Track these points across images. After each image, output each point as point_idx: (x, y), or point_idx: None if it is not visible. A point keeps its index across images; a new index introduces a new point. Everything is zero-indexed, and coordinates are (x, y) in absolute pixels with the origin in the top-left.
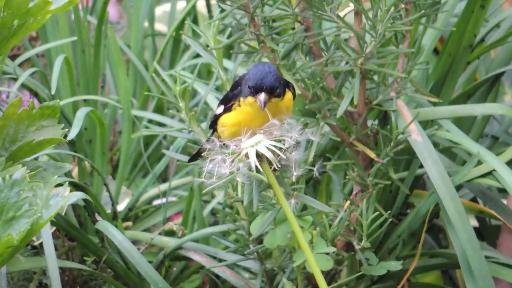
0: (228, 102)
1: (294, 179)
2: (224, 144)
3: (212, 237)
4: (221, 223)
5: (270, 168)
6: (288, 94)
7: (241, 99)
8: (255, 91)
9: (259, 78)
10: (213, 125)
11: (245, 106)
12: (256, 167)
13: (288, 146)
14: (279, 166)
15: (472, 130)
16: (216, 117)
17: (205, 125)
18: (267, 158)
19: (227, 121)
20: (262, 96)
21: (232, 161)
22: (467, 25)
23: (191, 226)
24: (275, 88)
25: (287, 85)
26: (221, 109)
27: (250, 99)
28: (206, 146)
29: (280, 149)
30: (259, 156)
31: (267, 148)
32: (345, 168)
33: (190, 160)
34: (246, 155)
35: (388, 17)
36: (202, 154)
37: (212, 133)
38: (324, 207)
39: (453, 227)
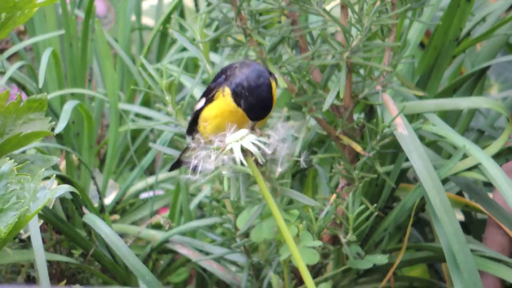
0: (210, 92)
1: (277, 174)
2: (208, 140)
3: (199, 231)
4: (208, 216)
5: (256, 163)
6: (273, 83)
7: (226, 88)
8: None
9: (256, 109)
10: (192, 125)
11: (229, 98)
12: (242, 162)
13: (273, 141)
14: (264, 161)
15: (458, 123)
16: (197, 113)
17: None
18: (252, 153)
19: (209, 113)
20: (250, 123)
21: (217, 156)
22: (453, 19)
23: (178, 220)
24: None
25: (268, 72)
26: (202, 102)
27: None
28: (187, 153)
29: (265, 143)
30: (244, 151)
31: (252, 143)
32: (331, 162)
33: (171, 169)
34: (231, 150)
35: (374, 11)
36: (183, 160)
37: (191, 139)
38: (309, 201)
39: (439, 221)
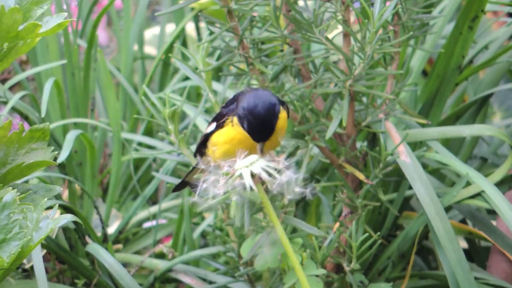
0: (221, 118)
1: (286, 201)
2: (217, 165)
3: (202, 259)
4: (211, 245)
5: (265, 190)
6: (282, 114)
7: (235, 118)
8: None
9: (258, 130)
10: (201, 147)
11: (238, 125)
12: (251, 187)
13: (283, 167)
14: (274, 187)
15: (461, 151)
16: (207, 136)
17: (194, 147)
18: (261, 179)
19: (219, 138)
20: (258, 146)
21: (226, 181)
22: (455, 46)
23: (181, 249)
24: (268, 131)
25: (281, 103)
26: (213, 126)
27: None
28: (194, 175)
29: (275, 170)
30: (253, 177)
31: (262, 169)
32: (334, 190)
33: (175, 189)
34: (240, 176)
35: (377, 39)
36: (189, 181)
37: (200, 152)
38: (313, 230)
39: (443, 249)
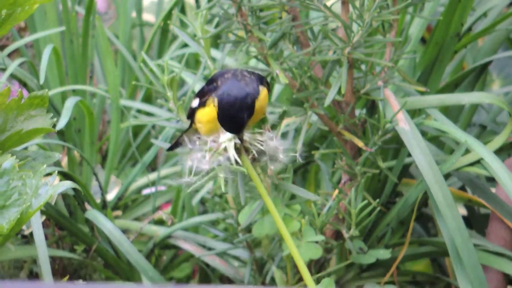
0: (203, 96)
1: (270, 171)
2: (203, 140)
3: (202, 226)
4: (210, 212)
5: (251, 160)
6: (262, 93)
7: (215, 98)
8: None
9: (228, 124)
10: (191, 116)
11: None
12: (236, 160)
13: (267, 138)
14: (257, 157)
15: (460, 119)
16: (192, 110)
17: None
18: (246, 151)
19: (202, 117)
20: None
21: (212, 157)
22: (454, 14)
23: (180, 215)
24: (239, 126)
25: (260, 80)
26: (196, 102)
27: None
28: (185, 138)
29: (259, 141)
30: (238, 149)
31: (246, 140)
32: (334, 157)
33: (170, 149)
34: (225, 150)
35: (375, 6)
36: (181, 142)
37: (191, 124)
38: (310, 195)
39: (442, 216)
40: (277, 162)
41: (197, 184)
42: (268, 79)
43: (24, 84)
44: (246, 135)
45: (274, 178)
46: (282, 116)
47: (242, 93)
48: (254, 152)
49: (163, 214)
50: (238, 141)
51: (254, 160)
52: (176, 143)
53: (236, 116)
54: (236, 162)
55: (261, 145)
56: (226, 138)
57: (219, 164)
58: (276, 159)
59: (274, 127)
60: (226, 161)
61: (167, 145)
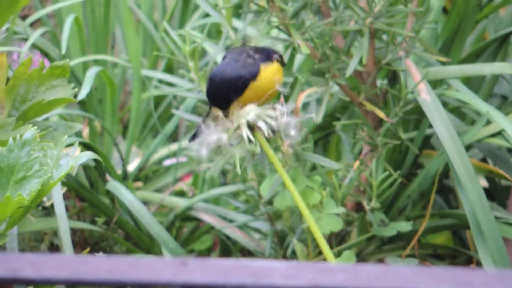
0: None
1: (285, 147)
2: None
3: (223, 198)
4: (231, 183)
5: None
6: (266, 70)
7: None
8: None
9: (211, 98)
10: None
11: None
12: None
13: (279, 113)
14: (272, 134)
15: (481, 89)
16: None
17: None
18: (259, 127)
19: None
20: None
21: (228, 138)
22: None
23: (201, 187)
24: (223, 103)
25: (269, 57)
26: None
27: None
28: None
29: (271, 117)
30: (251, 127)
31: (258, 116)
32: (355, 128)
33: (192, 139)
34: (239, 127)
35: None
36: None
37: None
38: (332, 164)
39: (463, 188)
40: (289, 137)
41: (215, 167)
42: (290, 49)
43: (45, 54)
44: (257, 110)
45: (296, 147)
46: (293, 85)
47: (234, 74)
48: (265, 128)
49: (184, 185)
50: (250, 118)
51: (268, 135)
52: (195, 134)
53: (220, 96)
54: (249, 141)
55: (273, 120)
56: (240, 116)
57: (233, 144)
58: (288, 135)
59: (287, 98)
60: (240, 139)
61: (188, 116)
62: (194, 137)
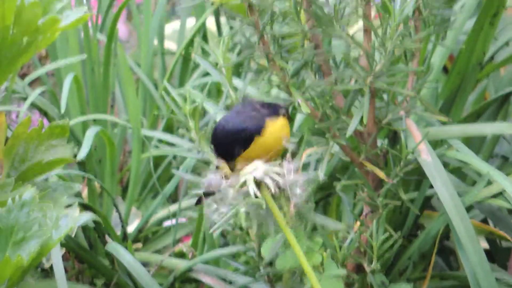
0: None
1: (292, 207)
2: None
3: (222, 259)
4: (231, 244)
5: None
6: (274, 125)
7: None
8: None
9: (216, 149)
10: None
11: None
12: (256, 195)
13: (285, 171)
14: (278, 190)
15: (482, 150)
16: None
17: None
18: (267, 184)
19: None
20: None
21: (234, 194)
22: (476, 42)
23: (201, 248)
24: (227, 154)
25: (276, 112)
26: None
27: None
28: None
29: (278, 174)
30: (258, 184)
31: (265, 173)
32: (355, 189)
33: (197, 203)
34: (245, 183)
35: (397, 34)
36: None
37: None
38: (337, 225)
39: (464, 249)
40: (295, 196)
41: (220, 222)
42: (290, 108)
43: (44, 113)
44: (265, 167)
45: (300, 207)
46: (300, 142)
47: (236, 126)
48: (273, 185)
49: (183, 246)
50: (257, 174)
51: (274, 193)
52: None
53: (223, 146)
54: (256, 197)
55: (279, 178)
56: (246, 172)
57: (239, 200)
58: (294, 193)
59: (294, 155)
60: (247, 196)
61: (188, 176)
62: (205, 195)
